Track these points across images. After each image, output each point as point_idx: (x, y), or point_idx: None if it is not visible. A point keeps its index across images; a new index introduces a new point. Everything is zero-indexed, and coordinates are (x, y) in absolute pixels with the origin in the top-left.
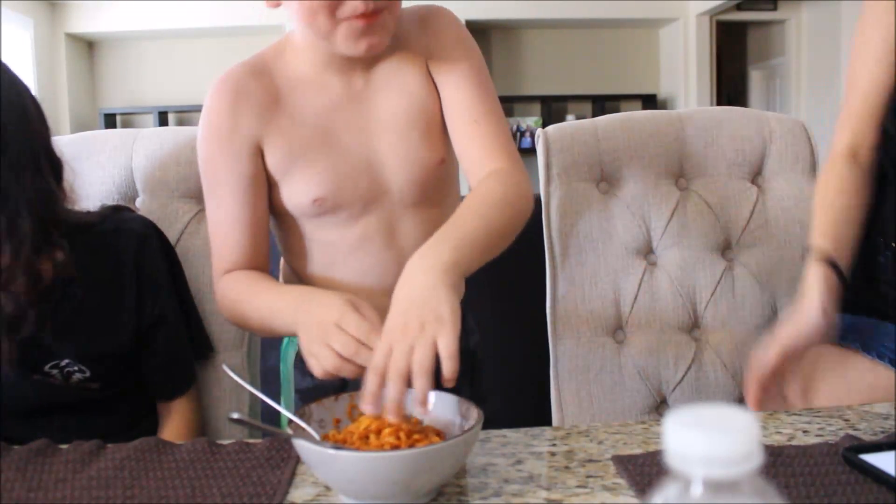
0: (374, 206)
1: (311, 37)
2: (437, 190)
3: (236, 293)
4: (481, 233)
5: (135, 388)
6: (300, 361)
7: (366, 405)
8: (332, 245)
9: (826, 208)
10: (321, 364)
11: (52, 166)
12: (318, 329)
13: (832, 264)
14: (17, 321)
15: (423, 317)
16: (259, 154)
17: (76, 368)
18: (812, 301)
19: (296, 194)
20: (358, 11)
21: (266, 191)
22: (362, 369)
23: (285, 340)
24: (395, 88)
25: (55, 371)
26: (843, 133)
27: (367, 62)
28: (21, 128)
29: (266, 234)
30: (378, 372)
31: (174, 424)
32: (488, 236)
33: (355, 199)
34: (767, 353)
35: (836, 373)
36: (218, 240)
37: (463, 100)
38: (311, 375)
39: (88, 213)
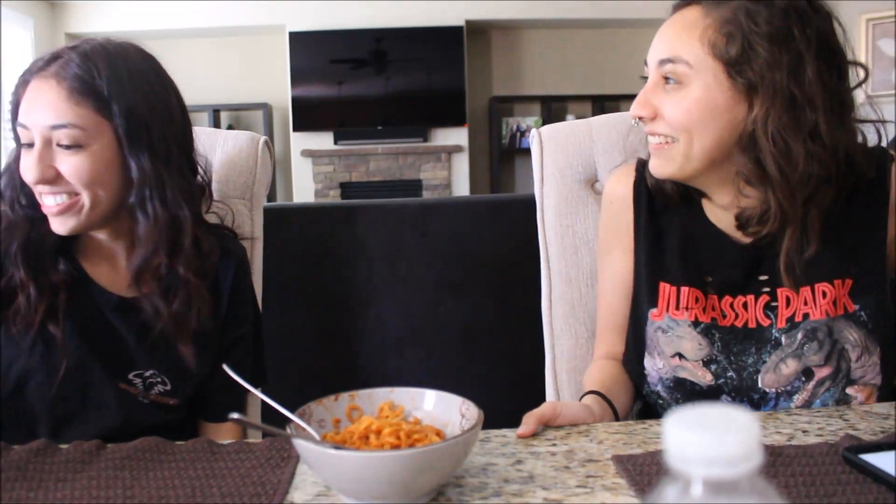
0: None
1: None
2: None
3: None
4: None
5: (192, 413)
6: None
7: None
8: None
9: (591, 381)
10: None
11: (191, 165)
12: None
13: (603, 396)
14: (184, 324)
15: None
16: None
17: (159, 380)
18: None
19: None
20: None
21: None
22: None
23: None
24: None
25: (138, 381)
26: (600, 343)
27: None
28: (167, 121)
29: None
30: None
31: None
32: None
33: None
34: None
35: None
36: None
37: None
38: None
39: (204, 228)
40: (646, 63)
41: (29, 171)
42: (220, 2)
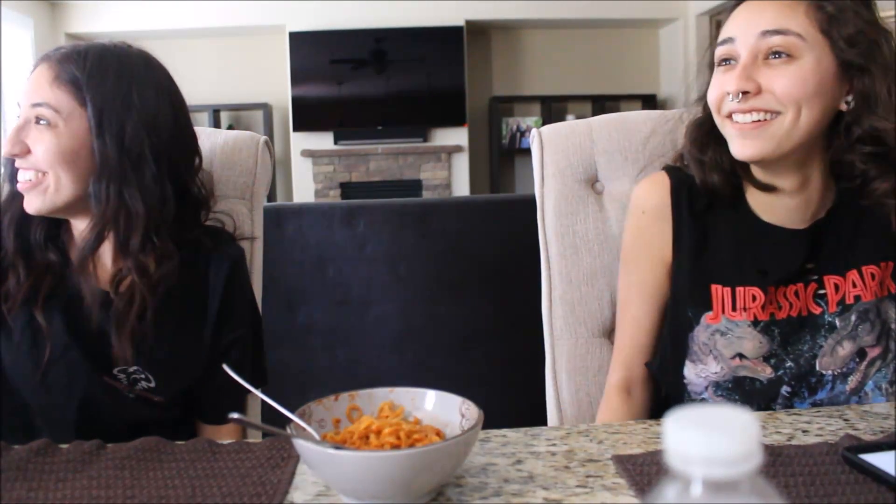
0: None
1: None
2: None
3: None
4: None
5: (189, 413)
6: None
7: None
8: None
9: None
10: None
11: (176, 179)
12: None
13: None
14: (124, 318)
15: None
16: None
17: (143, 376)
18: None
19: None
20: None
21: None
22: None
23: None
24: None
25: (122, 375)
26: (617, 366)
27: None
28: (149, 126)
29: None
30: None
31: None
32: None
33: None
34: None
35: None
36: None
37: None
38: None
39: (199, 231)
40: (727, 41)
41: (5, 144)
42: (220, 2)
